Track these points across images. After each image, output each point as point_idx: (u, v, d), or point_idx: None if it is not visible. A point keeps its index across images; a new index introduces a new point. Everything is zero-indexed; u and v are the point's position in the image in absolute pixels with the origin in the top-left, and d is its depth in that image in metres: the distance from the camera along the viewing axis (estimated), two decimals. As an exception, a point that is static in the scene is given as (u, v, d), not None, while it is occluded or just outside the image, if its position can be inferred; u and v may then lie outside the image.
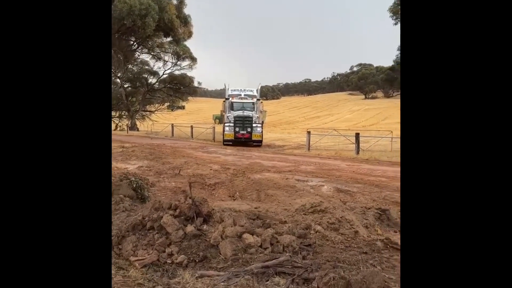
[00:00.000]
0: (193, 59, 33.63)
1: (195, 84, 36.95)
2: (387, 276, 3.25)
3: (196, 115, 59.62)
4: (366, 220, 5.09)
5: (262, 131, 21.10)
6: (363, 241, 4.22)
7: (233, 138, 20.63)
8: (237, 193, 8.12)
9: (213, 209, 4.20)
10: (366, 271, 3.17)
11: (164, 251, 3.58)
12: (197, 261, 3.50)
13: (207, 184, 8.96)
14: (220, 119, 38.64)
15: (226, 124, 21.14)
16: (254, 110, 21.56)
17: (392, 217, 5.49)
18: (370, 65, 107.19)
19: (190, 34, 26.35)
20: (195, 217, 3.97)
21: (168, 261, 3.45)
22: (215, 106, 36.37)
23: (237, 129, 20.69)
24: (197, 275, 3.17)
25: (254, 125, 20.77)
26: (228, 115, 21.45)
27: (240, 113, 20.87)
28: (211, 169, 11.13)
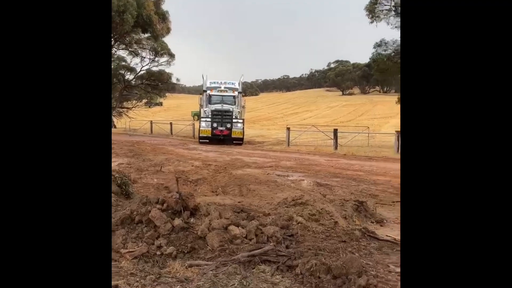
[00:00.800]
0: (171, 55, 33.34)
1: (174, 80, 36.65)
2: (364, 262, 3.49)
3: (174, 111, 59.09)
4: (344, 211, 5.35)
5: (243, 127, 18.92)
6: (342, 231, 4.46)
7: (210, 135, 18.55)
8: (220, 188, 8.27)
9: (199, 203, 4.35)
10: (345, 257, 3.40)
11: (153, 244, 3.70)
12: (185, 252, 3.65)
13: (190, 180, 9.06)
14: (198, 115, 38.50)
15: (202, 119, 18.95)
16: (235, 104, 19.72)
17: (369, 208, 5.77)
18: (347, 61, 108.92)
19: (168, 30, 26.15)
20: (182, 210, 4.11)
21: (157, 253, 3.58)
22: (194, 102, 35.85)
23: (215, 125, 18.44)
24: (186, 264, 3.32)
25: (234, 120, 18.62)
26: (205, 109, 19.50)
27: (218, 106, 18.87)
28: (192, 166, 11.22)
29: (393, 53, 14.17)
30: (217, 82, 20.47)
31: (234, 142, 18.72)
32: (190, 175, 9.57)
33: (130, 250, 3.53)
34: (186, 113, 51.73)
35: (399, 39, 14.47)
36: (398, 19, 13.82)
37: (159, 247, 3.67)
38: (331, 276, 3.16)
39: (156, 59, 32.98)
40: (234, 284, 3.05)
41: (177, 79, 37.96)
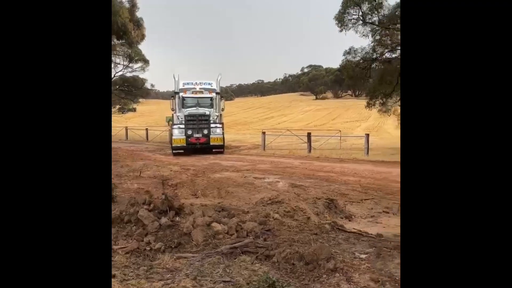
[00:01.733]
0: (146, 61, 33.26)
1: (148, 86, 36.46)
2: (333, 250, 3.95)
3: (148, 117, 58.52)
4: (316, 208, 5.83)
5: (223, 132, 16.36)
6: (314, 225, 4.93)
7: (184, 145, 15.77)
8: (199, 191, 8.60)
9: (183, 203, 4.71)
10: (316, 245, 3.85)
11: (142, 240, 4.04)
12: (173, 247, 4.00)
13: (169, 184, 9.33)
14: (173, 121, 37.35)
15: (174, 126, 16.26)
16: (212, 107, 17.12)
17: (339, 205, 6.28)
18: (320, 66, 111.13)
19: (143, 37, 26.18)
20: (168, 210, 4.46)
21: (147, 248, 3.92)
22: (168, 108, 35.72)
23: (189, 132, 15.76)
24: (174, 257, 3.68)
25: (212, 125, 16.03)
26: (178, 114, 16.88)
27: (193, 110, 16.24)
28: (171, 170, 11.47)
29: (361, 60, 14.98)
30: (192, 83, 17.88)
31: (213, 150, 16.17)
32: (169, 180, 9.84)
33: (122, 246, 3.85)
34: (160, 119, 51.37)
35: (366, 47, 15.30)
36: (366, 28, 14.63)
37: (148, 243, 4.00)
38: (304, 262, 3.60)
39: (131, 65, 32.83)
40: (218, 272, 3.43)
41: (152, 85, 37.78)
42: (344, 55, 15.49)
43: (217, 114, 17.13)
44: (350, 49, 15.41)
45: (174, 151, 16.04)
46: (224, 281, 3.22)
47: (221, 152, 16.25)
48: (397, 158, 13.39)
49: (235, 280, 3.26)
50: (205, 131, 16.00)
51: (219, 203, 6.22)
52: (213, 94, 17.47)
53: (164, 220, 4.30)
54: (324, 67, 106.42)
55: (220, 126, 16.40)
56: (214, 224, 4.39)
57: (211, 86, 17.91)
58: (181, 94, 17.08)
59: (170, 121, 43.49)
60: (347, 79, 15.11)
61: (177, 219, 4.43)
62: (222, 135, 16.24)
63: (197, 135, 15.93)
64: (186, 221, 4.38)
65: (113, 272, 3.14)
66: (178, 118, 16.84)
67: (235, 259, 3.74)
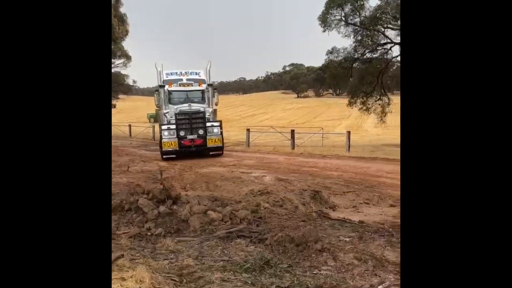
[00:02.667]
0: (128, 57, 33.06)
1: (130, 82, 36.23)
2: (320, 234, 4.33)
3: (129, 114, 57.97)
4: (303, 199, 6.21)
5: (221, 132, 13.73)
6: (301, 213, 5.31)
7: (177, 148, 13.17)
8: (188, 185, 8.86)
9: (180, 193, 4.99)
10: (305, 229, 4.22)
11: (143, 227, 4.31)
12: (172, 232, 4.29)
13: (158, 178, 9.55)
14: (155, 118, 34.61)
15: (163, 127, 13.38)
16: (205, 101, 14.45)
17: (323, 196, 6.68)
18: (302, 65, 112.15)
19: (126, 33, 26.05)
20: (166, 199, 4.74)
21: (148, 234, 4.20)
22: (149, 104, 35.20)
23: (182, 133, 13.19)
24: (175, 240, 3.98)
25: (208, 124, 13.50)
26: (165, 111, 14.15)
27: (184, 107, 13.53)
28: (158, 165, 11.66)
29: (343, 60, 15.50)
30: (177, 73, 15.33)
31: (211, 153, 13.58)
32: (157, 174, 10.04)
33: (125, 231, 4.11)
34: (142, 115, 50.99)
35: (348, 47, 15.83)
36: (348, 28, 15.15)
37: (149, 229, 4.28)
38: (294, 244, 3.95)
39: (113, 61, 32.55)
40: (217, 253, 3.75)
41: (134, 81, 37.53)
42: (327, 54, 16.00)
43: (211, 109, 14.34)
44: (332, 49, 15.93)
45: (164, 156, 13.27)
46: (223, 260, 3.54)
47: (220, 155, 13.77)
48: (376, 154, 14.00)
49: (233, 259, 3.58)
50: (201, 132, 13.34)
51: (211, 194, 6.52)
52: (204, 86, 14.66)
53: (162, 208, 4.58)
54: (306, 65, 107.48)
55: (218, 124, 13.73)
56: (209, 212, 4.69)
57: (200, 76, 15.30)
58: (166, 87, 14.19)
59: (152, 117, 41.42)
60: (330, 78, 15.62)
61: (174, 207, 4.72)
62: (220, 135, 13.65)
63: (191, 137, 13.29)
64: (184, 209, 4.67)
65: (121, 253, 3.42)
66: (166, 117, 14.05)
67: (231, 242, 4.06)
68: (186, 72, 15.58)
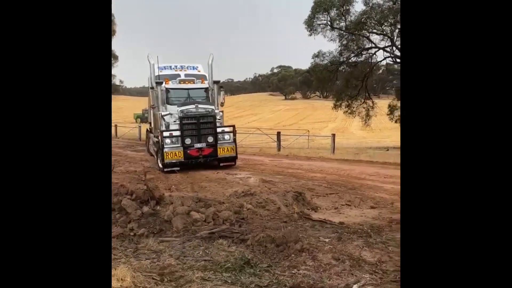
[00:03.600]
0: (115, 57, 32.82)
1: (117, 82, 35.90)
2: (300, 235, 4.44)
3: (116, 114, 57.35)
4: (286, 200, 6.31)
5: (234, 139, 11.23)
6: (283, 214, 5.41)
7: (182, 159, 10.47)
8: (173, 186, 8.89)
9: (163, 194, 5.04)
10: (286, 230, 4.33)
11: (126, 227, 4.35)
12: (155, 233, 4.34)
13: (143, 179, 9.54)
14: (142, 118, 33.51)
15: (165, 134, 10.57)
16: (208, 101, 11.85)
17: (306, 198, 6.80)
18: (289, 67, 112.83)
19: (113, 33, 25.92)
20: (149, 200, 4.78)
21: (131, 234, 4.24)
22: (136, 104, 34.56)
23: (188, 141, 10.54)
24: (158, 241, 4.03)
25: (219, 130, 10.99)
26: (164, 114, 11.26)
27: (190, 108, 10.75)
28: (143, 166, 11.63)
29: (329, 63, 15.75)
30: (173, 67, 12.77)
31: (221, 164, 11.03)
32: (143, 175, 10.03)
33: (108, 232, 4.15)
34: (128, 115, 50.54)
35: (334, 51, 16.08)
36: (333, 33, 15.39)
37: (132, 229, 4.33)
38: (275, 244, 4.05)
39: (99, 60, 32.22)
40: (199, 253, 3.83)
41: (120, 81, 37.21)
42: (313, 58, 16.22)
43: (218, 110, 11.70)
44: (318, 52, 16.16)
45: (166, 170, 10.48)
46: (205, 260, 3.61)
47: (232, 165, 11.25)
48: (360, 157, 14.23)
49: (214, 259, 3.66)
50: (210, 139, 10.74)
51: (196, 194, 6.57)
52: (206, 83, 12.24)
53: (146, 208, 4.62)
54: (294, 68, 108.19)
55: (230, 130, 11.22)
56: (192, 212, 4.76)
57: (199, 71, 12.97)
58: (163, 85, 11.55)
59: (139, 117, 40.15)
60: (316, 81, 15.83)
61: (158, 208, 4.77)
62: (234, 143, 11.13)
63: (199, 145, 10.67)
64: (167, 209, 4.73)
65: (103, 253, 3.46)
66: (164, 120, 11.24)
67: (213, 242, 4.14)
68: (182, 67, 12.88)
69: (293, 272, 3.47)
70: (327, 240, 4.44)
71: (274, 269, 3.50)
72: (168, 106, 11.61)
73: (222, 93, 12.50)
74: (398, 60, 16.07)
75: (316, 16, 14.88)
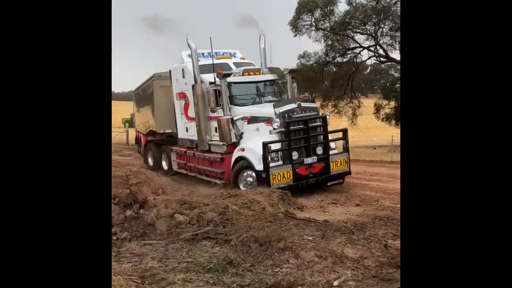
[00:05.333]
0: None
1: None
2: (284, 234, 4.46)
3: (104, 118, 56.62)
4: (271, 200, 6.33)
5: (347, 147, 8.50)
6: (269, 214, 5.43)
7: (291, 182, 7.46)
8: (160, 189, 8.84)
9: (147, 197, 5.02)
10: (269, 229, 4.35)
11: (109, 231, 4.32)
12: (138, 236, 4.32)
13: (130, 183, 9.47)
14: (130, 123, 32.30)
15: (272, 147, 7.40)
16: (280, 98, 9.31)
17: (292, 198, 6.82)
18: (278, 68, 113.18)
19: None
20: (132, 203, 4.76)
21: (114, 238, 4.21)
22: (124, 109, 34.30)
23: (295, 155, 7.62)
24: (141, 244, 4.01)
25: (329, 138, 8.15)
26: (237, 118, 8.24)
27: (292, 108, 7.86)
28: (130, 170, 11.54)
29: (315, 64, 15.85)
30: (206, 55, 9.45)
31: (329, 184, 8.18)
32: (129, 179, 9.95)
33: (90, 237, 4.12)
34: (116, 121, 50.03)
35: (319, 51, 16.18)
36: (318, 33, 15.49)
37: (115, 233, 4.30)
38: (258, 244, 4.07)
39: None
40: (182, 255, 3.82)
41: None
42: (298, 58, 16.30)
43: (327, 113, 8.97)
44: (304, 53, 16.24)
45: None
46: (187, 262, 3.61)
47: (341, 183, 8.43)
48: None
49: (197, 260, 3.66)
50: (320, 150, 7.99)
51: (182, 197, 6.55)
52: (270, 76, 9.41)
53: (129, 212, 4.60)
54: (282, 69, 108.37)
55: (342, 136, 8.51)
56: (176, 215, 4.75)
57: (243, 59, 10.13)
58: (227, 79, 8.29)
59: (127, 122, 38.86)
60: (301, 82, 15.97)
61: (141, 211, 4.75)
62: (347, 154, 8.39)
63: (309, 160, 7.75)
64: (150, 213, 4.71)
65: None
66: (235, 127, 8.18)
67: (197, 244, 4.13)
68: (217, 53, 9.53)
69: (275, 270, 3.49)
70: (310, 238, 4.47)
71: (257, 268, 3.52)
72: (235, 107, 8.42)
73: (295, 85, 9.75)
74: (382, 59, 16.28)
75: (301, 17, 14.98)
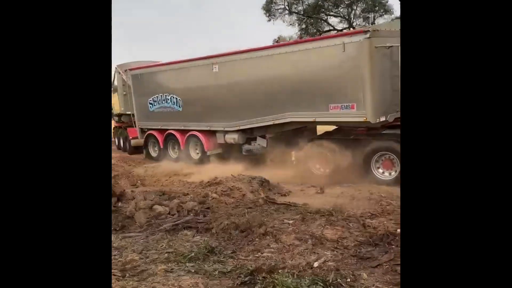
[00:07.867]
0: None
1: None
2: (265, 219, 4.49)
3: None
4: (252, 187, 6.35)
5: None
6: (249, 200, 5.45)
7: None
8: (139, 181, 8.73)
9: (124, 190, 4.95)
10: (249, 215, 4.37)
11: (86, 227, 4.24)
12: (117, 229, 4.26)
13: (107, 177, 9.30)
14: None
15: None
16: None
17: (272, 184, 6.86)
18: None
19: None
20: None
21: (92, 233, 4.14)
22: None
23: None
24: (120, 237, 3.96)
25: None
26: None
27: None
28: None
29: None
30: None
31: None
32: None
33: (67, 233, 4.03)
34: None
35: (295, 35, 16.12)
36: (292, 17, 15.43)
37: (93, 228, 4.22)
38: (239, 231, 4.09)
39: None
40: (162, 245, 3.80)
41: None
42: (273, 43, 16.20)
43: None
44: (279, 38, 16.15)
45: None
46: (168, 252, 3.60)
47: None
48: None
49: (178, 250, 3.65)
50: None
51: (160, 188, 6.50)
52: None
53: (106, 206, 4.52)
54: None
55: None
56: (156, 206, 4.70)
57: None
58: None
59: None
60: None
61: (119, 204, 4.68)
62: None
63: None
64: (129, 205, 4.65)
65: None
66: None
67: (177, 234, 4.12)
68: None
69: (256, 255, 3.52)
70: (291, 222, 4.52)
71: (238, 255, 3.54)
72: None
73: None
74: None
75: (274, 1, 14.85)
